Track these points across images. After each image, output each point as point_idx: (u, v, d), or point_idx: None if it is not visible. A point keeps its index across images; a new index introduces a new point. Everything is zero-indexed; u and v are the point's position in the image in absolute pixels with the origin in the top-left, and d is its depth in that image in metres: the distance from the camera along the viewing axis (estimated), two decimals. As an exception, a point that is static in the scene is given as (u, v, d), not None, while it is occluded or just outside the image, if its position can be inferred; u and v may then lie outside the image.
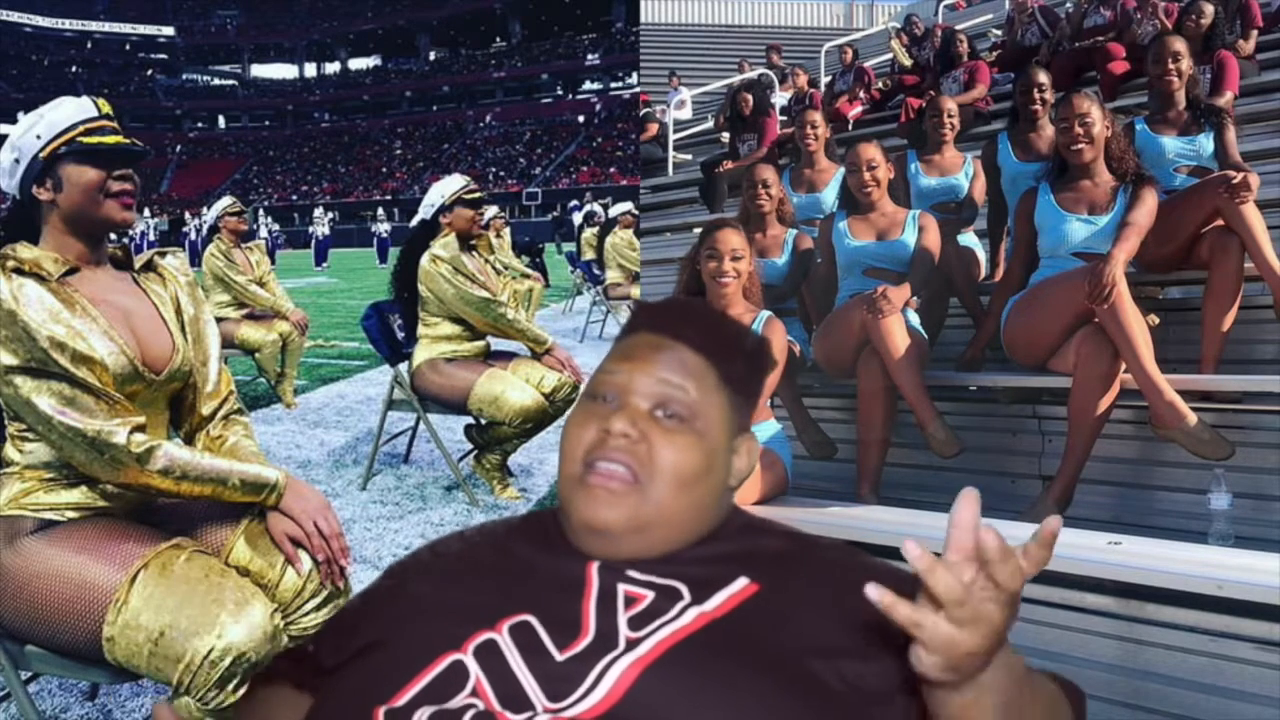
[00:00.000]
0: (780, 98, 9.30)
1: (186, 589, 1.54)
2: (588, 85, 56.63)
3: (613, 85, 55.25)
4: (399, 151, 54.73)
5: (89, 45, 61.88)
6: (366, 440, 4.77)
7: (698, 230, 4.55)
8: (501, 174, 48.35)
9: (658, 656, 0.85)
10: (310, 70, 65.97)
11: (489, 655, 0.87)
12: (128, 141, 1.70)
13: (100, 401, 1.60)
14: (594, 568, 0.94)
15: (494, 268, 4.32)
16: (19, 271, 1.60)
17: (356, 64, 65.49)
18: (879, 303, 2.91)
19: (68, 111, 1.68)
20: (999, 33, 9.69)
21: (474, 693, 0.85)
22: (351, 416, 5.68)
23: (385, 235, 25.12)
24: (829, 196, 4.21)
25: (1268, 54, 6.28)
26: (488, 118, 55.51)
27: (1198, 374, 2.95)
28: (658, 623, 0.88)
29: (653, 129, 10.13)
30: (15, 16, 57.41)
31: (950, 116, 4.05)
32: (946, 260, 3.42)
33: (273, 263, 7.00)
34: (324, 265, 24.13)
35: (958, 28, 8.16)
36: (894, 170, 3.43)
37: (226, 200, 6.04)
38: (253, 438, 1.87)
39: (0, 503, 1.66)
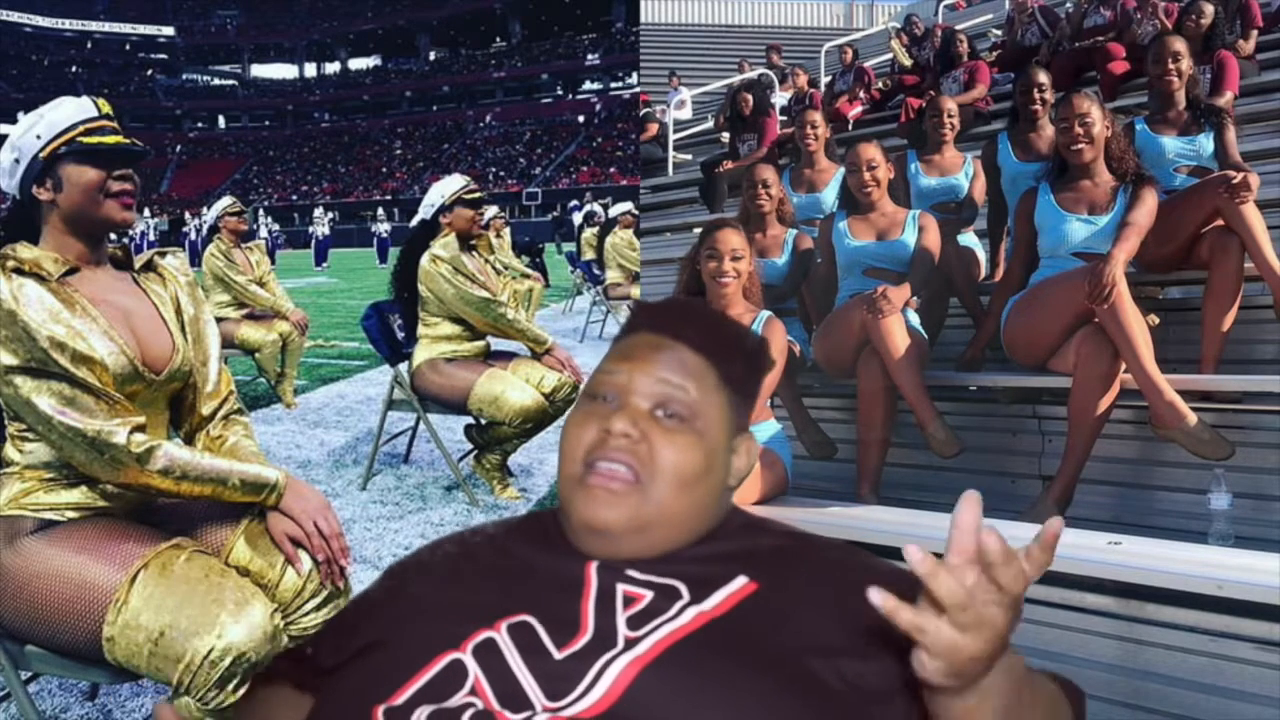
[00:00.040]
0: (780, 98, 9.30)
1: (186, 589, 1.54)
2: (588, 85, 56.63)
3: (613, 85, 55.25)
4: (399, 151, 54.74)
5: (89, 45, 61.88)
6: (366, 440, 4.77)
7: (698, 230, 4.55)
8: (501, 174, 48.35)
9: (656, 656, 0.85)
10: (310, 70, 66.00)
11: (488, 654, 0.87)
12: (128, 141, 1.70)
13: (100, 401, 1.60)
14: (593, 567, 0.94)
15: (494, 268, 4.33)
16: (19, 271, 1.60)
17: (356, 64, 65.52)
18: (879, 303, 2.90)
19: (68, 111, 1.68)
20: (999, 33, 9.69)
21: (473, 691, 0.85)
22: (351, 416, 5.68)
23: (385, 235, 25.13)
24: (829, 196, 4.21)
25: (1268, 54, 6.28)
26: (488, 118, 55.52)
27: (1198, 374, 2.94)
28: (656, 622, 0.88)
29: (653, 129, 10.13)
30: (15, 16, 57.41)
31: (950, 116, 4.05)
32: (946, 260, 3.42)
33: (273, 263, 7.00)
34: (324, 265, 24.13)
35: (958, 28, 8.17)
36: (894, 170, 3.43)
37: (226, 200, 6.05)
38: (253, 438, 1.87)
39: (0, 503, 1.67)
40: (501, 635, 0.89)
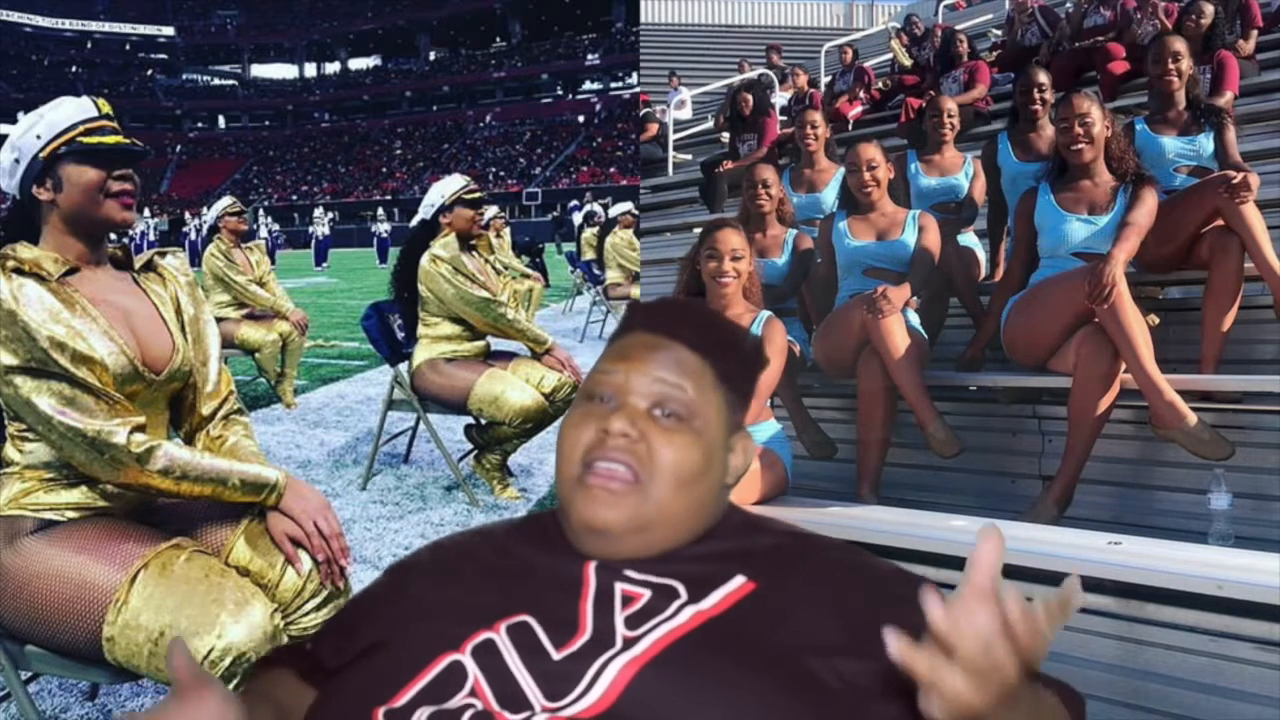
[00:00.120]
0: (780, 98, 9.30)
1: (186, 589, 1.54)
2: (588, 85, 56.63)
3: (613, 85, 55.25)
4: (399, 151, 54.74)
5: (89, 45, 61.88)
6: (366, 440, 4.77)
7: (698, 230, 4.55)
8: (501, 174, 48.35)
9: (654, 655, 0.85)
10: (310, 70, 65.99)
11: (487, 655, 0.87)
12: (128, 141, 1.70)
13: (100, 401, 1.60)
14: (591, 567, 0.94)
15: (494, 268, 4.33)
16: (19, 271, 1.60)
17: (356, 64, 65.52)
18: (879, 303, 2.90)
19: (68, 111, 1.69)
20: (999, 33, 9.69)
21: (472, 693, 0.85)
22: (351, 416, 5.68)
23: (385, 235, 25.12)
24: (829, 196, 4.21)
25: (1268, 54, 6.28)
26: (488, 118, 55.51)
27: (1198, 374, 2.94)
28: (654, 621, 0.88)
29: (653, 129, 10.13)
30: (15, 16, 57.40)
31: (950, 116, 4.04)
32: (946, 260, 3.42)
33: (273, 263, 7.00)
34: (324, 265, 24.13)
35: (958, 28, 8.16)
36: (894, 170, 3.43)
37: (226, 200, 6.05)
38: (253, 438, 1.87)
39: (0, 503, 1.67)
40: (501, 636, 0.89)
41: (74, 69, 59.78)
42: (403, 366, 4.06)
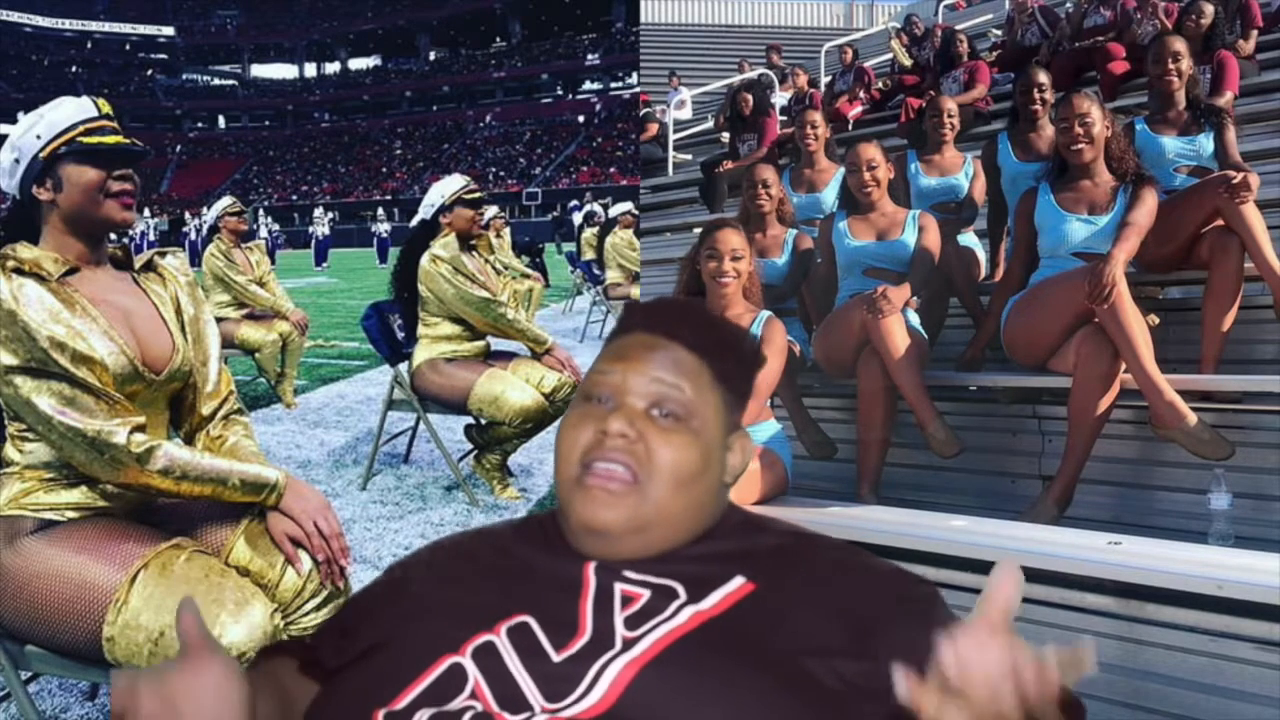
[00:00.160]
0: (780, 98, 9.30)
1: (186, 589, 1.54)
2: (588, 85, 56.64)
3: (613, 85, 55.26)
4: (399, 151, 54.74)
5: (89, 45, 61.90)
6: (366, 440, 4.77)
7: (698, 230, 4.55)
8: (501, 174, 48.35)
9: (654, 656, 0.85)
10: (310, 70, 66.01)
11: (487, 657, 0.87)
12: (128, 141, 1.70)
13: (100, 401, 1.60)
14: (591, 568, 0.94)
15: (494, 268, 4.33)
16: (19, 271, 1.60)
17: (356, 64, 65.54)
18: (879, 303, 2.90)
19: (68, 111, 1.69)
20: (999, 33, 9.69)
21: (473, 695, 0.85)
22: (351, 416, 5.68)
23: (385, 235, 25.13)
24: (829, 196, 4.21)
25: (1268, 54, 6.28)
26: (488, 118, 55.52)
27: (1198, 374, 2.94)
28: (654, 622, 0.89)
29: (653, 129, 10.13)
30: (15, 16, 57.42)
31: (950, 116, 4.04)
32: (946, 260, 3.42)
33: (273, 263, 7.00)
34: (324, 265, 24.13)
35: (958, 28, 8.17)
36: (894, 170, 3.43)
37: (226, 200, 6.05)
38: (253, 438, 1.87)
39: (0, 503, 1.67)
40: (501, 638, 0.89)
41: (74, 69, 59.79)
42: (403, 366, 4.06)
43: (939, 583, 1.00)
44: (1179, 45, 3.42)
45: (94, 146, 1.66)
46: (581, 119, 52.59)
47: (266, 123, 62.52)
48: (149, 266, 1.84)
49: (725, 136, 8.54)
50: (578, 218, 14.91)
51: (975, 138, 5.83)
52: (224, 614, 1.51)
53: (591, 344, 8.59)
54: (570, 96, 56.13)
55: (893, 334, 2.90)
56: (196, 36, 64.86)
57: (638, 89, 23.34)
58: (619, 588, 0.92)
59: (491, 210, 9.71)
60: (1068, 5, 8.20)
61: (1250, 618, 1.87)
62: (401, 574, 1.05)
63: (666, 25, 18.68)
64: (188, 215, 30.73)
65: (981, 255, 3.95)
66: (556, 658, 0.87)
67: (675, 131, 10.10)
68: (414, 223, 4.18)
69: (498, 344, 4.12)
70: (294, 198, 51.45)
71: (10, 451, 1.70)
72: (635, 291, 8.45)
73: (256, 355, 5.61)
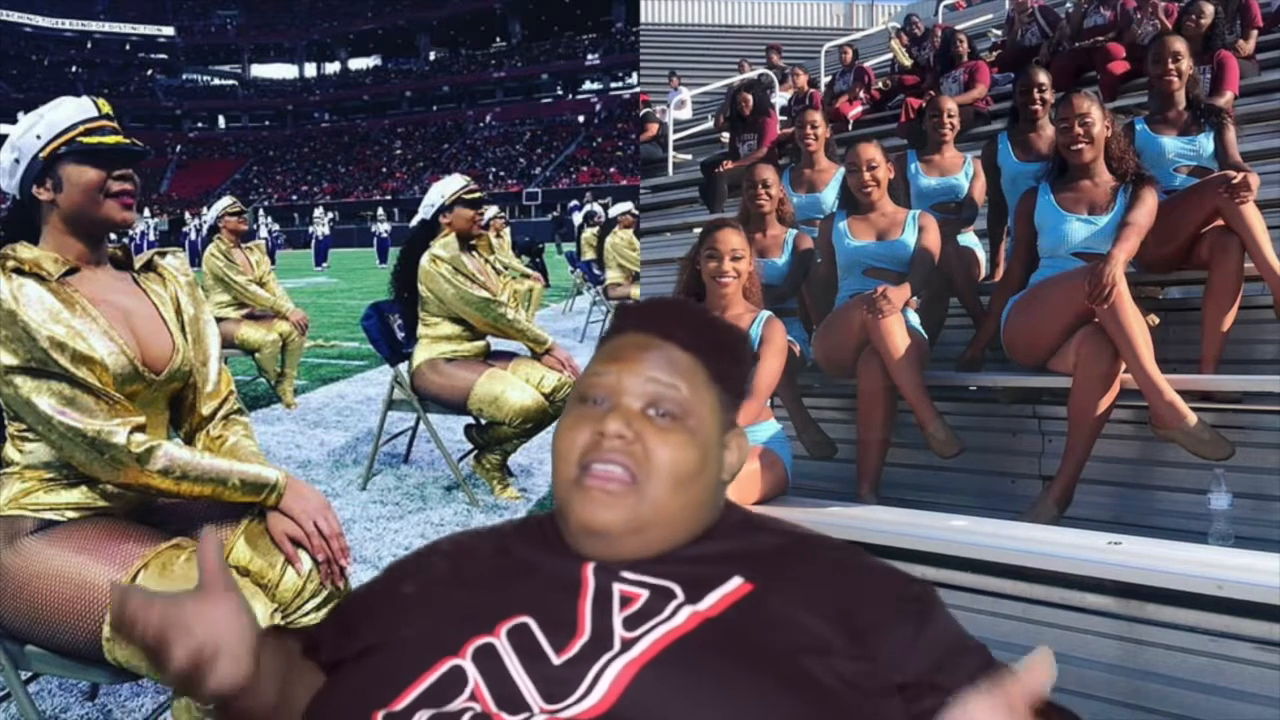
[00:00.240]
0: (780, 98, 9.30)
1: (186, 588, 1.54)
2: (588, 85, 56.63)
3: (613, 85, 55.26)
4: (399, 151, 54.74)
5: (89, 45, 61.90)
6: (366, 440, 4.77)
7: (698, 230, 4.55)
8: (501, 174, 48.35)
9: (653, 656, 0.85)
10: (310, 70, 66.02)
11: (487, 659, 0.88)
12: (128, 141, 1.70)
13: (100, 401, 1.60)
14: (589, 568, 0.94)
15: (494, 268, 4.33)
16: (19, 271, 1.60)
17: (356, 64, 65.54)
18: (879, 303, 2.90)
19: (68, 111, 1.69)
20: (999, 33, 9.69)
21: (472, 696, 0.85)
22: (351, 416, 5.68)
23: (385, 235, 25.13)
24: (829, 196, 4.21)
25: (1268, 54, 6.28)
26: (488, 118, 55.52)
27: (1198, 374, 2.94)
28: (652, 623, 0.89)
29: (653, 129, 10.13)
30: (15, 16, 57.43)
31: (950, 116, 4.04)
32: (946, 260, 3.42)
33: (273, 263, 7.00)
34: (324, 265, 24.13)
35: (958, 28, 8.16)
36: (894, 170, 3.43)
37: (226, 200, 6.05)
38: (253, 438, 1.87)
39: (0, 503, 1.67)
40: (501, 640, 0.89)
41: (74, 69, 59.79)
42: (403, 366, 4.06)
43: (939, 583, 1.00)
44: (1179, 45, 3.42)
45: (94, 146, 1.66)
46: (581, 119, 52.58)
47: (266, 123, 62.52)
48: (149, 266, 1.84)
49: (725, 136, 8.54)
50: (578, 218, 14.92)
51: (975, 138, 5.83)
52: (224, 614, 1.51)
53: (591, 344, 8.58)
54: (570, 96, 56.13)
55: (893, 334, 2.90)
56: (196, 36, 64.88)
57: (638, 89, 23.34)
58: (617, 588, 0.92)
59: (491, 210, 9.71)
60: (1068, 5, 8.20)
61: (1250, 618, 1.87)
62: (400, 574, 1.04)
63: (666, 25, 18.68)
64: (188, 215, 30.73)
65: (981, 255, 3.95)
66: (556, 659, 0.87)
67: (675, 131, 10.11)
68: (414, 223, 4.18)
69: (498, 344, 4.12)
70: (294, 198, 51.45)
71: (10, 451, 1.70)
72: (635, 291, 8.45)
73: (256, 355, 5.61)
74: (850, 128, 8.13)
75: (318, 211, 31.08)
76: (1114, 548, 2.15)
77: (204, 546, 0.91)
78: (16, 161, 1.69)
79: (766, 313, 2.78)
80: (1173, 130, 3.42)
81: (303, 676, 0.98)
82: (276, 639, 1.00)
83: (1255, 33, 6.04)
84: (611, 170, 44.73)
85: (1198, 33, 4.85)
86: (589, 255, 10.99)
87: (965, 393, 3.39)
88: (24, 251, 1.64)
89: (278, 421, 5.54)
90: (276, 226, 32.05)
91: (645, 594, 0.91)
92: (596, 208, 14.05)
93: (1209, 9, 4.96)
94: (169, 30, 64.04)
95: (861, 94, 8.72)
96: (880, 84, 8.92)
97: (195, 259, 9.16)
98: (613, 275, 9.22)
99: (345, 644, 0.98)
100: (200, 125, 63.14)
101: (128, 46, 63.54)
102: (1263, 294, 3.07)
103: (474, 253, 4.06)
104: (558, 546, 0.98)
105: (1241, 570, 1.95)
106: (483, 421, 3.94)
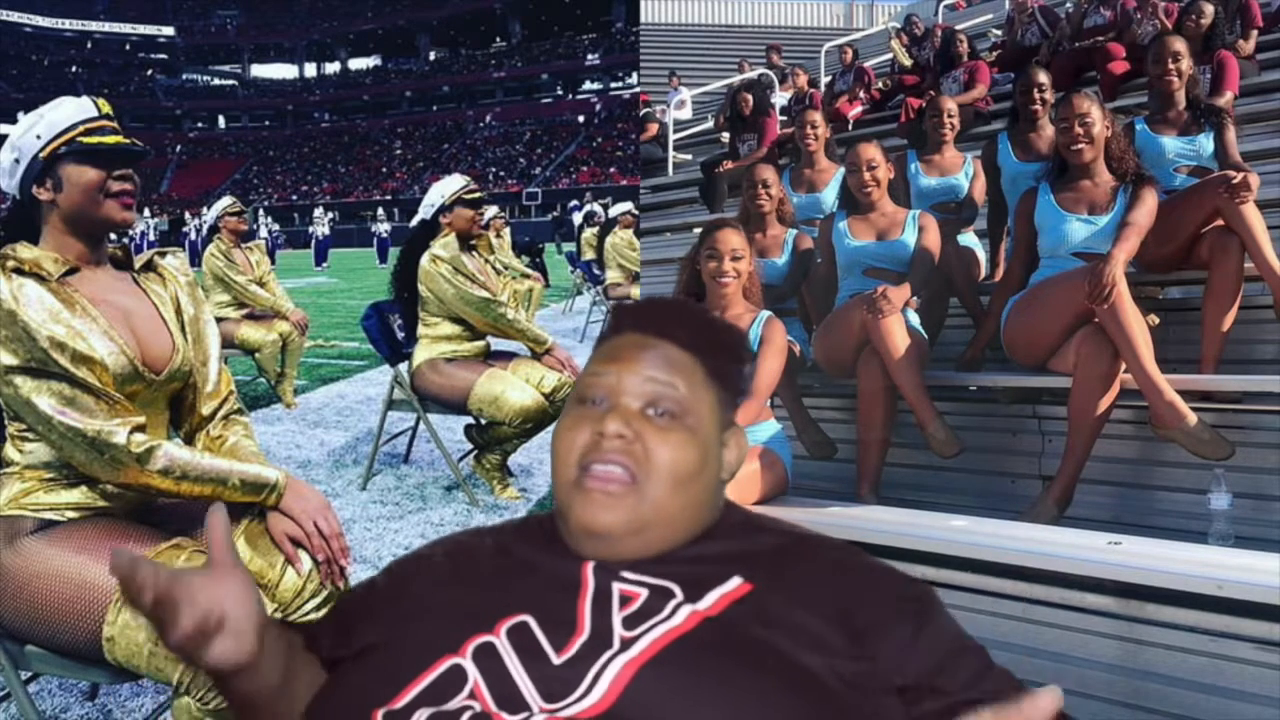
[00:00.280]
0: (780, 98, 9.30)
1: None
2: (588, 85, 56.63)
3: (613, 85, 55.26)
4: (399, 151, 54.73)
5: (89, 45, 61.90)
6: (366, 440, 4.77)
7: (698, 230, 4.55)
8: (501, 174, 48.35)
9: (652, 656, 0.85)
10: (310, 70, 66.02)
11: (486, 658, 0.87)
12: (128, 141, 1.70)
13: (100, 401, 1.60)
14: (589, 568, 0.94)
15: (494, 268, 4.32)
16: (19, 271, 1.60)
17: (356, 64, 65.54)
18: (879, 303, 2.90)
19: (68, 111, 1.68)
20: (999, 33, 9.69)
21: (472, 695, 0.85)
22: (351, 416, 5.68)
23: (385, 235, 25.13)
24: (829, 196, 4.21)
25: (1268, 54, 6.28)
26: (488, 118, 55.52)
27: (1198, 374, 2.94)
28: (651, 622, 0.89)
29: (653, 129, 10.13)
30: (15, 16, 57.43)
31: (950, 116, 4.04)
32: (946, 260, 3.42)
33: (273, 263, 7.00)
34: (324, 265, 24.13)
35: (958, 28, 8.17)
36: (894, 170, 3.43)
37: (226, 200, 6.05)
38: (253, 438, 1.87)
39: (0, 503, 1.67)
40: (500, 639, 0.89)
41: (74, 69, 59.79)
42: (403, 366, 4.06)
43: (939, 583, 1.00)
44: (1179, 45, 3.42)
45: (94, 146, 1.66)
46: (581, 119, 52.58)
47: (266, 123, 62.52)
48: (149, 266, 1.84)
49: (725, 136, 8.54)
50: (578, 218, 14.92)
51: (975, 138, 5.83)
52: (224, 614, 1.51)
53: (591, 344, 8.52)
54: (570, 96, 56.13)
55: (893, 334, 2.90)
56: (196, 36, 64.88)
57: (638, 89, 23.34)
58: (617, 588, 0.92)
59: (491, 210, 9.71)
60: (1068, 5, 8.20)
61: (1250, 618, 1.87)
62: (401, 573, 1.05)
63: (666, 25, 18.68)
64: (188, 215, 30.72)
65: (981, 255, 3.95)
66: (556, 658, 0.87)
67: (675, 131, 10.11)
68: (414, 223, 4.18)
69: (498, 344, 4.12)
70: (294, 198, 51.44)
71: (10, 451, 1.70)
72: (635, 291, 8.44)
73: (256, 355, 5.61)
74: (850, 128, 8.13)
75: (318, 211, 31.08)
76: (1114, 548, 2.15)
77: (212, 523, 0.91)
78: (16, 161, 1.69)
79: (766, 313, 2.78)
80: (1173, 130, 3.42)
81: (305, 667, 0.98)
82: (280, 628, 1.00)
83: (1255, 33, 6.04)
84: (611, 170, 44.73)
85: (1198, 33, 4.85)
86: (589, 255, 10.99)
87: (965, 393, 3.39)
88: (24, 251, 1.64)
89: (278, 421, 5.54)
90: (276, 226, 32.05)
91: (645, 593, 0.91)
92: (596, 208, 14.06)
93: (1209, 9, 4.96)
94: (169, 30, 64.05)
95: (861, 94, 8.73)
96: (880, 84, 8.92)
97: (195, 259, 9.16)
98: (613, 275, 9.23)
99: (345, 642, 0.98)
100: (200, 125, 63.14)
101: (128, 46, 63.54)
102: (1263, 294, 3.07)
103: (474, 253, 4.06)
104: (558, 546, 0.98)
105: (1241, 570, 1.95)
106: (483, 421, 3.94)
